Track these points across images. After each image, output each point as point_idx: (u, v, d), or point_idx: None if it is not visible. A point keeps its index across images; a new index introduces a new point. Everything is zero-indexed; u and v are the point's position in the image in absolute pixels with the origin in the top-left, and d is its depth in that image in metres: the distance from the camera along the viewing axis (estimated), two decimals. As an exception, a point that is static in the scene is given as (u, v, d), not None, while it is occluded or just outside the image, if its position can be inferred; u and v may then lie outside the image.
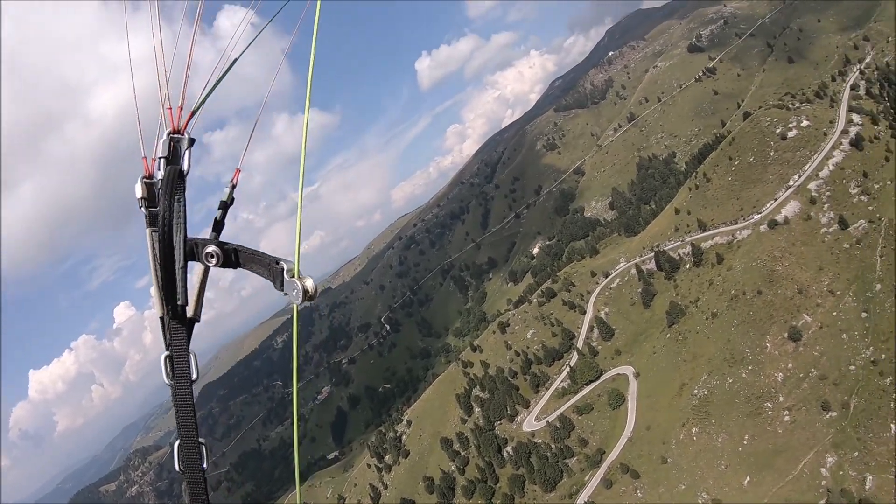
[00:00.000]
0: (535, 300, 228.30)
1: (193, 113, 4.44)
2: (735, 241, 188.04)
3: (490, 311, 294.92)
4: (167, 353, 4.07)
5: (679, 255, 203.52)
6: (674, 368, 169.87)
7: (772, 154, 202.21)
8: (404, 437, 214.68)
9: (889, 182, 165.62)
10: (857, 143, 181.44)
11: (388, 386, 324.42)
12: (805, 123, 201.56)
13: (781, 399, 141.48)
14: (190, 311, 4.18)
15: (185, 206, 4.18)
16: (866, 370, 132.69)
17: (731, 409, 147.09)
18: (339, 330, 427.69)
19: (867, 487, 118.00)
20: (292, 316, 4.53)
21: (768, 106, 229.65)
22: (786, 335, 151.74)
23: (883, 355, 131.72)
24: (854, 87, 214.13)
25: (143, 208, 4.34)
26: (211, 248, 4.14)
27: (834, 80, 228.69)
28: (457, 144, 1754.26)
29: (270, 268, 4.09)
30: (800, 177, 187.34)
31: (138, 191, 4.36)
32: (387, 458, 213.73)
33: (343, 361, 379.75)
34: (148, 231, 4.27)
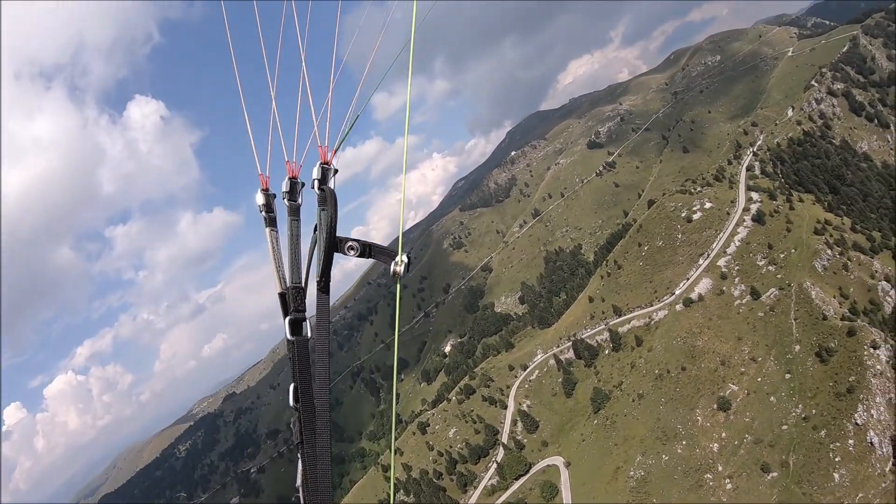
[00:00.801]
0: (453, 398, 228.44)
1: (336, 150, 6.50)
2: (652, 322, 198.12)
3: (405, 413, 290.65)
4: (290, 317, 5.99)
5: (597, 341, 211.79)
6: (606, 453, 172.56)
7: (679, 237, 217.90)
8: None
9: (793, 250, 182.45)
10: (759, 219, 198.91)
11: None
12: (708, 205, 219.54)
13: (720, 468, 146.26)
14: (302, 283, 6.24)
15: (330, 213, 6.11)
16: (799, 427, 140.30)
17: (671, 486, 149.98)
18: (245, 437, 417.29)
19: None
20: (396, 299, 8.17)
21: (672, 192, 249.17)
22: (715, 406, 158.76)
23: (813, 410, 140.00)
24: (749, 169, 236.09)
25: (262, 213, 6.42)
26: (351, 242, 6.07)
27: (730, 163, 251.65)
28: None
29: (391, 258, 6.12)
30: (709, 255, 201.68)
31: (259, 199, 6.46)
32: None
33: (252, 470, 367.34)
34: (267, 230, 6.28)
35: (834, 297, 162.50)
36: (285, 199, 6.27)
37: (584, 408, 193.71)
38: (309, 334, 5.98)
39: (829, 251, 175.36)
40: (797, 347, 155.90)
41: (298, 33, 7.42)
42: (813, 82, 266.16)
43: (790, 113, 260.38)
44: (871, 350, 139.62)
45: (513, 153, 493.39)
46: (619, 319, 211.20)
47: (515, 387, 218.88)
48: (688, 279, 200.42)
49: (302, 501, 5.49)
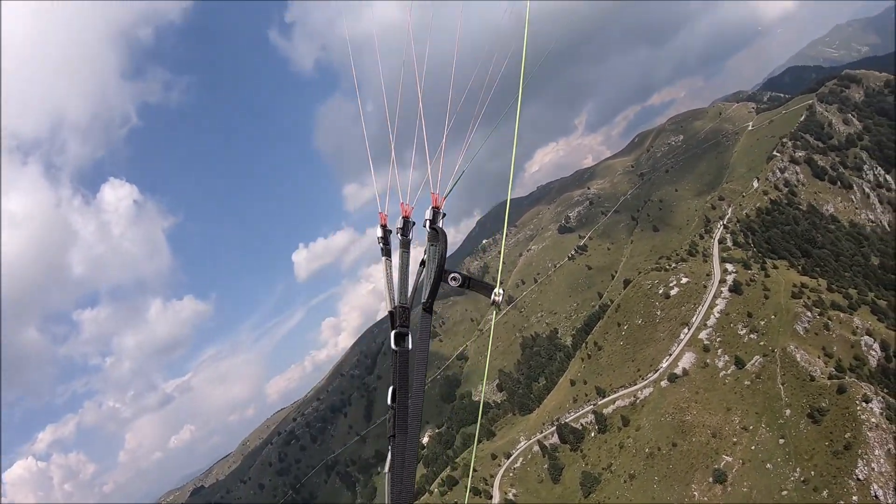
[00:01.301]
0: (435, 490, 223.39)
1: (446, 196, 7.58)
2: (638, 401, 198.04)
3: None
4: (395, 330, 6.66)
5: (582, 424, 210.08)
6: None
7: (658, 313, 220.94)
8: None
9: (773, 316, 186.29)
10: (736, 289, 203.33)
11: None
12: (685, 280, 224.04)
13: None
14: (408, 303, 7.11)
15: (441, 249, 7.09)
16: (799, 491, 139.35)
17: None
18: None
19: None
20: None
21: (647, 270, 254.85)
22: (711, 479, 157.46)
23: (812, 472, 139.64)
24: (721, 241, 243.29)
25: (380, 244, 7.54)
26: (455, 274, 6.91)
27: (701, 237, 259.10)
28: (332, 337, 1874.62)
29: (489, 290, 6.84)
30: (689, 329, 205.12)
31: (378, 233, 7.59)
32: None
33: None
34: (384, 259, 7.41)
35: (819, 358, 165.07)
36: (398, 235, 7.42)
37: (574, 493, 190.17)
38: (409, 346, 6.67)
39: (808, 313, 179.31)
40: (788, 411, 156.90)
41: (420, 95, 8.50)
42: (775, 152, 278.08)
43: (756, 184, 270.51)
44: (864, 404, 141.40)
45: (484, 241, 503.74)
46: (603, 400, 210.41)
47: (500, 475, 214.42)
48: (670, 355, 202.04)
49: (388, 483, 6.12)
